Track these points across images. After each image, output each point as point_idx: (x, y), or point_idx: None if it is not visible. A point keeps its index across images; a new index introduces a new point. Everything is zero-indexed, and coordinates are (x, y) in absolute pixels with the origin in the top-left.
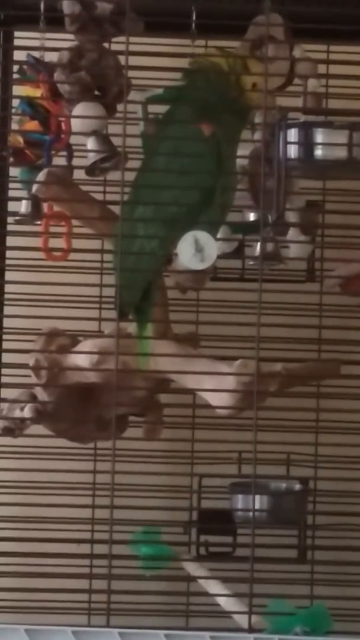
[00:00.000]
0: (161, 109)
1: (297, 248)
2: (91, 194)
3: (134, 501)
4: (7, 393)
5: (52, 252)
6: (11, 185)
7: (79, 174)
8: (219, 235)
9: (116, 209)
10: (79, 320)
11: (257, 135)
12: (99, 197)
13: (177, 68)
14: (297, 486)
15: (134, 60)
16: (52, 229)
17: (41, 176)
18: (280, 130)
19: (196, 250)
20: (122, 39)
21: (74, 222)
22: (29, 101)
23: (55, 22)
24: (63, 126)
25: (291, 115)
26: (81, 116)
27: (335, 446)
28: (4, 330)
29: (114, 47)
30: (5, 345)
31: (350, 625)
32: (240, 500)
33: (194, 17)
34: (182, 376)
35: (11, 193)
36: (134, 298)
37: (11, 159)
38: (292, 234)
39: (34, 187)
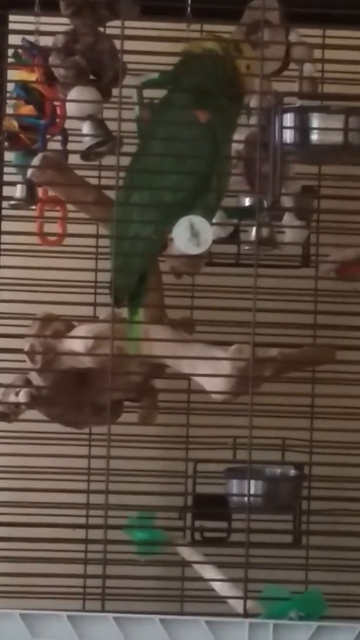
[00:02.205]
0: (157, 93)
1: (292, 233)
2: (86, 179)
3: (128, 486)
4: (2, 378)
5: (47, 236)
6: (6, 169)
7: (74, 159)
8: (214, 220)
9: (111, 194)
10: (74, 305)
11: (253, 120)
12: (94, 181)
13: (172, 52)
14: (292, 471)
15: (129, 45)
16: (47, 214)
17: (36, 161)
18: (276, 115)
19: (192, 235)
20: (117, 23)
21: (69, 206)
22: (23, 85)
23: (50, 5)
24: (58, 110)
25: (287, 100)
26: (76, 100)
27: (331, 431)
28: None
29: (109, 31)
30: None
31: (345, 610)
32: (235, 486)
33: (189, 1)
34: (177, 361)
35: (6, 178)
36: (129, 283)
37: (6, 144)
38: (288, 219)
39: (29, 172)
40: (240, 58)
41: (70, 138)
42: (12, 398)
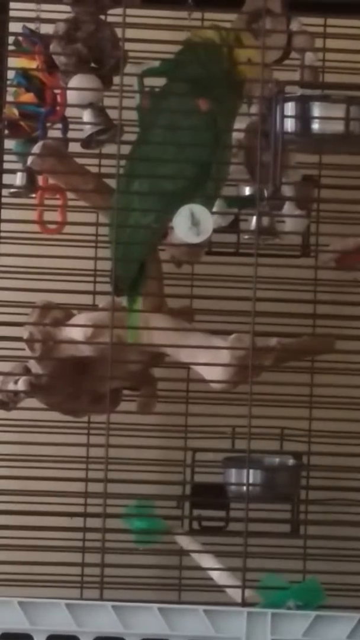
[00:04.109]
0: (158, 82)
1: (292, 222)
2: (87, 167)
3: (127, 475)
4: (1, 366)
5: (47, 224)
6: (6, 157)
7: (74, 147)
8: (214, 209)
9: (112, 182)
10: (73, 293)
11: (254, 109)
12: (95, 169)
13: (174, 41)
14: (291, 461)
15: (130, 33)
16: (47, 202)
17: (36, 148)
18: (277, 104)
19: (192, 223)
20: (118, 10)
21: (69, 194)
22: (24, 73)
23: None
24: (59, 98)
25: (288, 88)
26: (77, 88)
27: (329, 421)
28: None
29: (111, 19)
30: None
31: (343, 599)
32: (233, 475)
33: None
34: (177, 350)
35: (6, 165)
36: (129, 272)
37: (6, 131)
38: (288, 208)
39: (29, 160)
40: (239, 47)
41: (70, 126)
42: (11, 386)
